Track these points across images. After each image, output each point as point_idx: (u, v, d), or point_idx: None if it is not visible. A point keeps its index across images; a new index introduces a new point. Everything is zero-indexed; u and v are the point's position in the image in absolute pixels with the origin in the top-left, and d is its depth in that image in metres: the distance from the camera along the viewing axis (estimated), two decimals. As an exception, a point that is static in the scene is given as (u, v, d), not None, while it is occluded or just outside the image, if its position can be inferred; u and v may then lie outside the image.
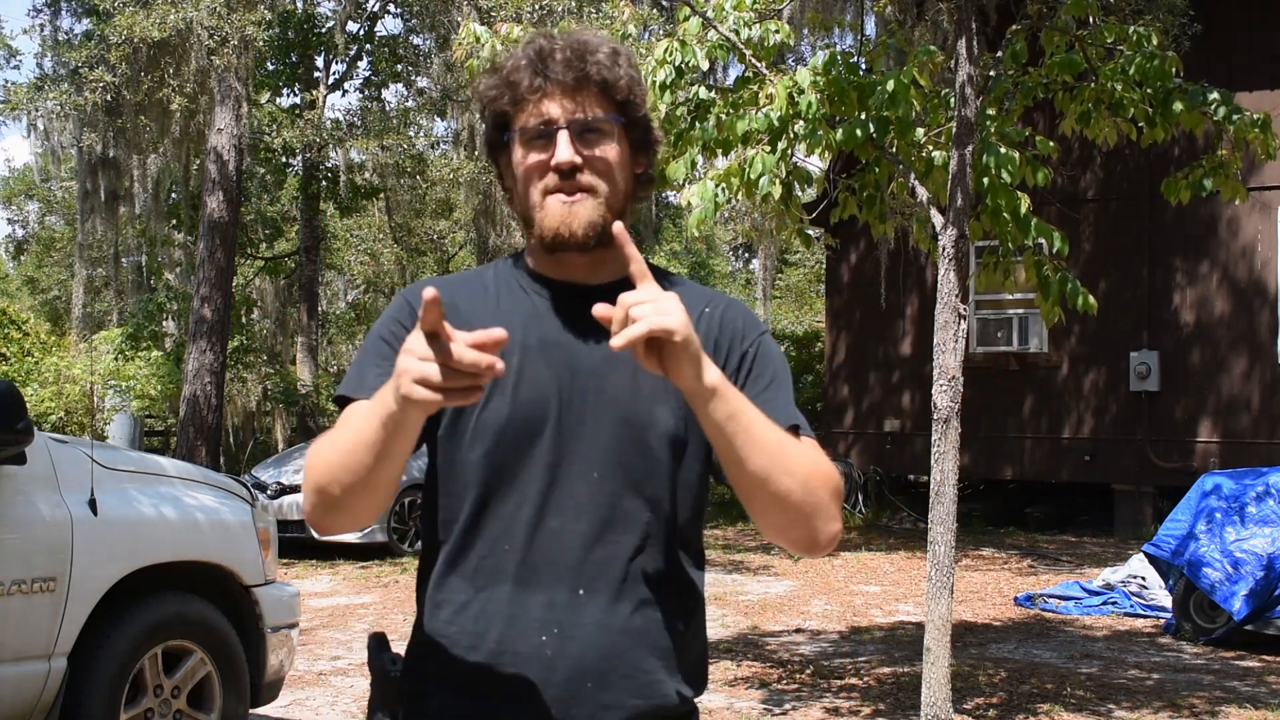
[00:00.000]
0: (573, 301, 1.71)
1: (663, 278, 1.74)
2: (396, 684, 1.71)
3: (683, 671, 1.70)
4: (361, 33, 21.11)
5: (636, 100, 1.71)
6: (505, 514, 1.67)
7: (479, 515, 1.68)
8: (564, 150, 1.65)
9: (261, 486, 11.91)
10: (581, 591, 1.64)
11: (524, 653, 1.63)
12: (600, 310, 1.46)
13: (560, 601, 1.63)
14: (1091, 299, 5.19)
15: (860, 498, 14.94)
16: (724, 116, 5.14)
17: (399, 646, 1.75)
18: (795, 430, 1.69)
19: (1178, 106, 5.33)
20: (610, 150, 1.69)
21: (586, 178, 1.67)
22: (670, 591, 1.69)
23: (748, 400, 1.56)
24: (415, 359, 1.37)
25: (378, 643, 1.76)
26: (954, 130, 5.14)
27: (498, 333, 1.37)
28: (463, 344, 1.36)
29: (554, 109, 1.67)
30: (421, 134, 21.85)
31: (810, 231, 8.42)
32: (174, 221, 20.68)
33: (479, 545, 1.68)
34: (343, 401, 1.68)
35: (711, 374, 1.50)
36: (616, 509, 1.65)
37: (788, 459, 1.57)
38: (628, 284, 1.67)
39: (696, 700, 1.74)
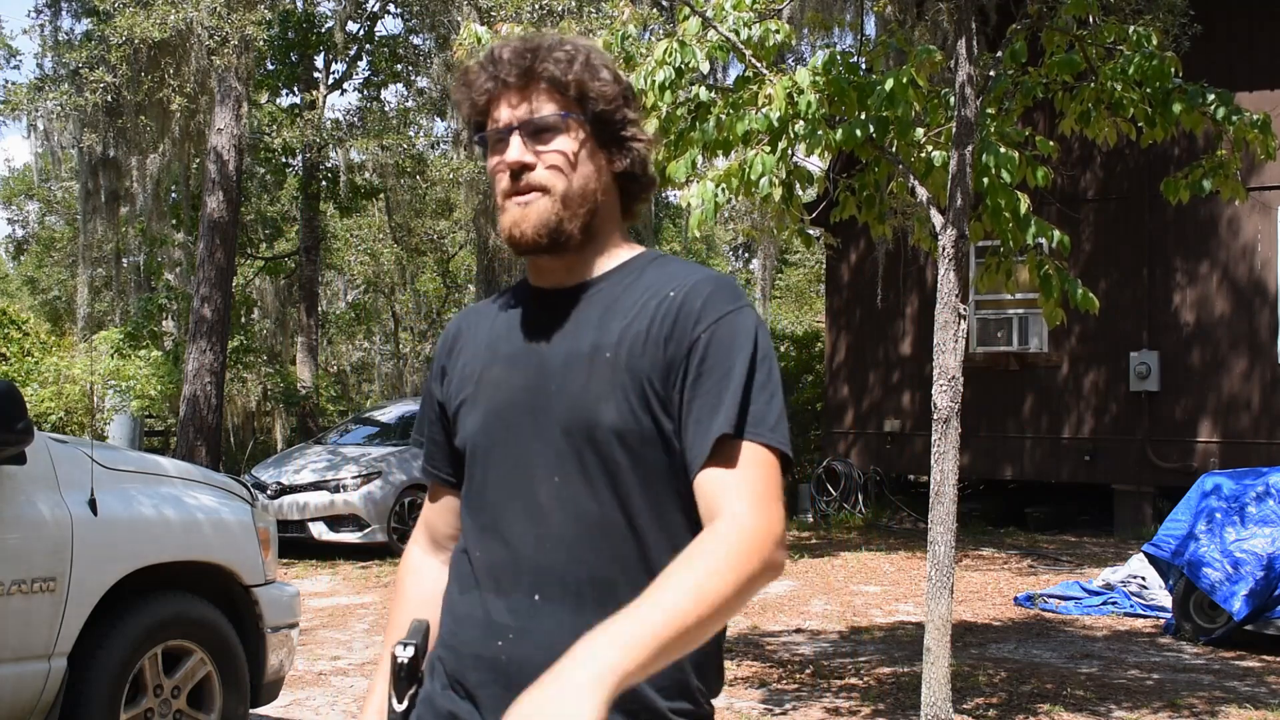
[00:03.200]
0: (544, 306, 1.73)
1: (643, 266, 1.73)
2: (404, 669, 1.73)
3: (667, 679, 1.58)
4: (361, 33, 21.12)
5: (594, 96, 1.69)
6: (480, 521, 1.71)
7: (465, 521, 1.75)
8: (513, 150, 1.67)
9: (261, 486, 11.91)
10: (538, 597, 1.62)
11: (485, 657, 1.65)
12: None
13: (519, 607, 1.63)
14: (1092, 296, 5.19)
15: (860, 498, 14.94)
16: (724, 117, 5.14)
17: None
18: (731, 439, 1.56)
19: (1177, 106, 5.33)
20: (565, 145, 1.67)
21: (537, 176, 1.66)
22: None
23: (636, 636, 1.35)
24: None
25: (411, 627, 1.79)
26: (954, 130, 5.14)
27: None
28: None
29: (505, 111, 1.69)
30: (421, 134, 21.88)
31: (810, 231, 8.42)
32: (174, 221, 20.69)
33: (464, 550, 1.73)
34: (419, 443, 1.88)
35: (594, 675, 1.30)
36: (577, 513, 1.62)
37: (712, 603, 1.42)
38: (607, 277, 1.72)
39: (695, 708, 1.64)
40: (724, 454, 1.56)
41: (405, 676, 1.72)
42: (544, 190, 1.66)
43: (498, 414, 1.69)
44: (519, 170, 1.66)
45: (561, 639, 1.53)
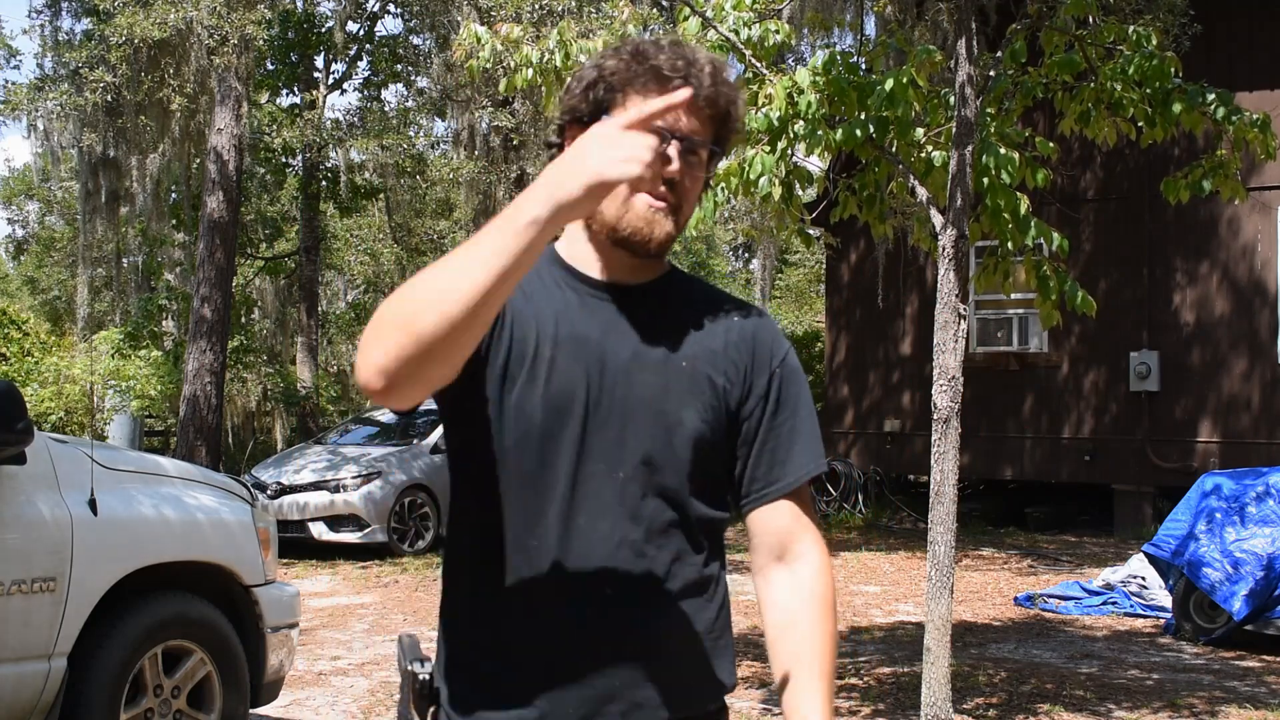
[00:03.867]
0: (607, 299, 1.71)
1: (686, 282, 1.80)
2: (425, 686, 1.71)
3: (713, 670, 1.74)
4: (361, 33, 21.10)
5: (729, 136, 1.73)
6: (533, 510, 1.64)
7: (508, 511, 1.65)
8: (675, 161, 1.65)
9: (261, 486, 11.91)
10: (609, 591, 1.63)
11: (551, 652, 1.63)
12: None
13: (588, 603, 1.63)
14: (1090, 299, 5.19)
15: (860, 498, 14.94)
16: (724, 116, 5.12)
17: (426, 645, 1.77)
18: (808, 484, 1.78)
19: (1177, 106, 5.32)
20: (699, 176, 1.70)
21: (679, 195, 1.68)
22: (696, 593, 1.70)
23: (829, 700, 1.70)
24: (623, 142, 1.39)
25: (407, 644, 1.77)
26: (954, 130, 5.14)
27: (680, 95, 1.47)
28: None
29: (683, 118, 1.66)
30: (421, 134, 21.85)
31: (810, 231, 8.42)
32: (174, 221, 20.68)
33: (508, 542, 1.65)
34: None
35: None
36: (641, 509, 1.65)
37: (833, 665, 1.74)
38: (662, 284, 1.75)
39: (725, 697, 1.78)
40: (798, 489, 1.76)
41: (427, 694, 1.72)
42: (677, 209, 1.68)
43: (557, 399, 1.65)
44: (669, 181, 1.66)
45: (630, 633, 1.63)
